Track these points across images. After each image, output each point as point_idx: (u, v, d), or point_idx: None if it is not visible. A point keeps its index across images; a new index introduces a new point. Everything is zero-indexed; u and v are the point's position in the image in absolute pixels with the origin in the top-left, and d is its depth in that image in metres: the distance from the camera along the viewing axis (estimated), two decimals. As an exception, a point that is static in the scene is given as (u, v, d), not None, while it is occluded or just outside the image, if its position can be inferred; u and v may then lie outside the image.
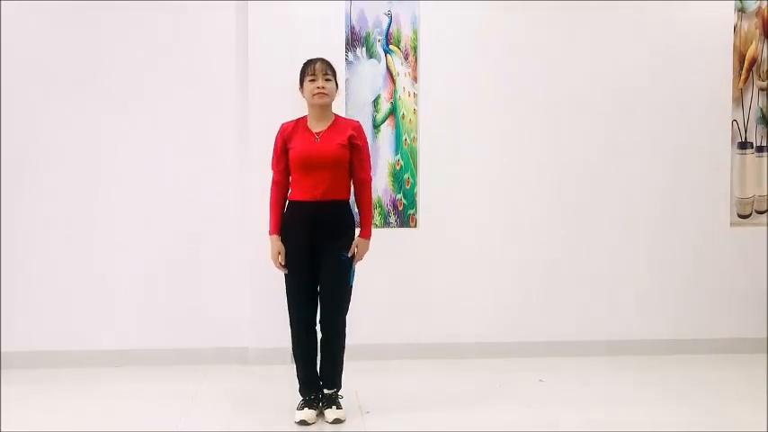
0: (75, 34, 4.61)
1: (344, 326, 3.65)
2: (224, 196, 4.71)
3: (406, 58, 4.82)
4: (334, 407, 3.61)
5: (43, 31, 4.60)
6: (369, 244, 3.67)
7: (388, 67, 4.82)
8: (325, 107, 3.59)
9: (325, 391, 3.65)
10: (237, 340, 4.71)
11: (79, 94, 4.62)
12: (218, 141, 4.72)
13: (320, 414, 3.63)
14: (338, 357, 3.66)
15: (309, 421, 3.53)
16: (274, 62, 4.61)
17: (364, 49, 4.79)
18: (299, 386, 3.67)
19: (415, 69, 4.83)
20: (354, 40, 4.77)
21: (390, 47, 4.81)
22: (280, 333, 4.48)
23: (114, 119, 4.65)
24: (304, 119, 3.63)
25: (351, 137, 3.58)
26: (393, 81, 4.82)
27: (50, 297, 4.62)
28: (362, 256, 3.66)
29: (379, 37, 4.80)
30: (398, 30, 4.81)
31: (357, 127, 3.65)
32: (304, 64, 3.61)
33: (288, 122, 3.64)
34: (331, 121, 3.61)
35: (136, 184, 4.67)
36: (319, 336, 3.67)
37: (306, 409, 3.58)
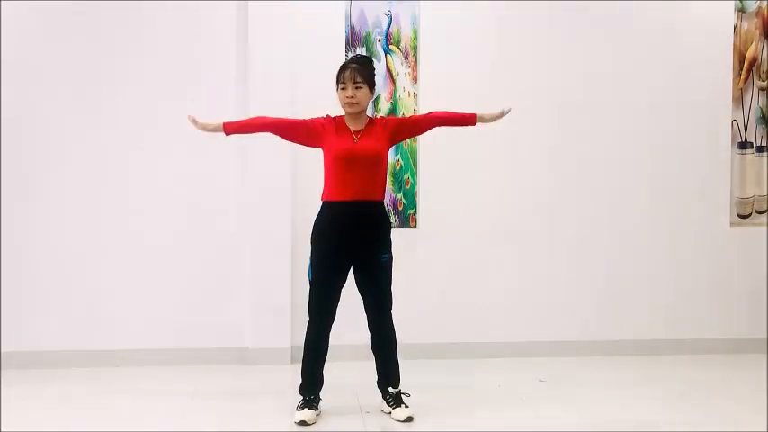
0: (74, 35, 4.60)
1: (392, 323, 3.71)
2: (224, 196, 4.71)
3: (406, 58, 4.83)
4: (402, 405, 3.63)
5: (42, 32, 4.59)
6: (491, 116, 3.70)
7: (388, 67, 4.82)
8: (359, 112, 3.62)
9: (391, 389, 3.67)
10: (237, 340, 4.71)
11: (78, 95, 4.61)
12: (219, 141, 4.70)
13: (386, 412, 3.66)
14: (395, 355, 3.71)
15: (309, 422, 3.53)
16: (274, 62, 4.61)
17: (364, 49, 4.78)
18: (300, 385, 3.67)
19: (415, 69, 4.83)
20: (354, 40, 4.77)
21: (390, 47, 4.81)
22: (280, 333, 4.50)
23: (114, 119, 4.64)
24: (342, 118, 3.64)
25: (385, 127, 3.60)
26: (393, 81, 4.82)
27: (50, 297, 4.62)
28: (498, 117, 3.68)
29: (379, 37, 4.80)
30: (398, 30, 4.81)
31: (384, 120, 3.69)
32: (339, 67, 3.60)
33: (329, 117, 3.64)
34: (366, 122, 3.63)
35: (135, 184, 4.67)
36: (324, 336, 3.67)
37: (306, 409, 3.58)
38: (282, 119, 3.70)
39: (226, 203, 4.71)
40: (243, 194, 4.68)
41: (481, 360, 4.72)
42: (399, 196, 4.85)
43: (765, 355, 4.88)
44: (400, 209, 4.85)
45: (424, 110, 4.80)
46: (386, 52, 4.81)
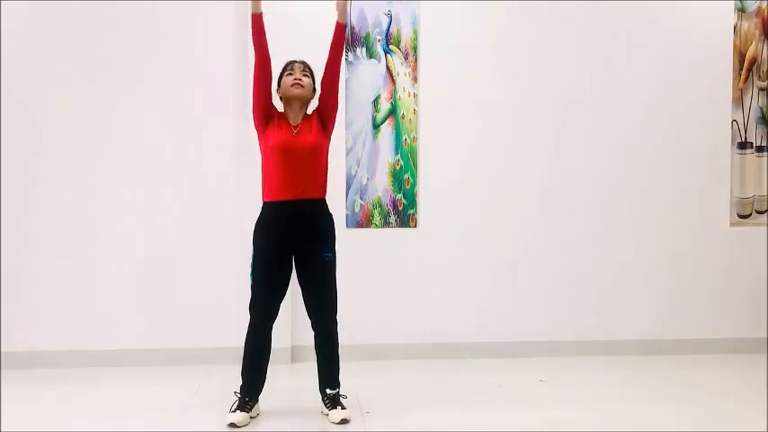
0: (74, 35, 4.61)
1: (337, 325, 3.65)
2: (224, 196, 4.71)
3: (406, 58, 4.83)
4: (339, 407, 3.59)
5: (42, 32, 4.59)
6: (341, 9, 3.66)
7: (388, 67, 4.82)
8: (303, 104, 3.61)
9: (328, 391, 3.65)
10: (237, 340, 4.68)
11: (79, 95, 4.62)
12: (218, 141, 4.72)
13: (325, 414, 3.64)
14: (336, 357, 3.67)
15: (239, 424, 3.47)
16: (274, 62, 4.58)
17: (364, 49, 4.79)
18: (240, 385, 3.60)
19: (415, 69, 4.83)
20: (354, 40, 4.77)
21: (390, 47, 4.81)
22: (279, 333, 4.48)
23: (114, 119, 4.65)
24: (282, 113, 3.64)
25: (315, 117, 3.60)
26: (393, 81, 4.82)
27: (51, 297, 4.62)
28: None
29: (379, 37, 4.80)
30: (398, 30, 4.81)
31: (313, 112, 3.66)
32: (283, 66, 3.65)
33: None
34: (305, 117, 3.63)
35: (136, 184, 4.67)
36: (272, 337, 3.65)
37: (239, 411, 3.52)
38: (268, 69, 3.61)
39: (226, 203, 4.71)
40: (243, 194, 4.68)
41: (481, 360, 4.72)
42: (399, 196, 4.85)
43: (765, 355, 4.88)
44: (400, 209, 4.86)
45: (424, 110, 4.82)
46: (386, 52, 4.81)
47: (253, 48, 3.62)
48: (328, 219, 3.63)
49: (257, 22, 3.62)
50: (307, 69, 3.65)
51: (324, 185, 3.61)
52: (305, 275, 3.60)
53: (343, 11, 3.70)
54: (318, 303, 3.61)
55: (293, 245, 3.54)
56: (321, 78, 3.64)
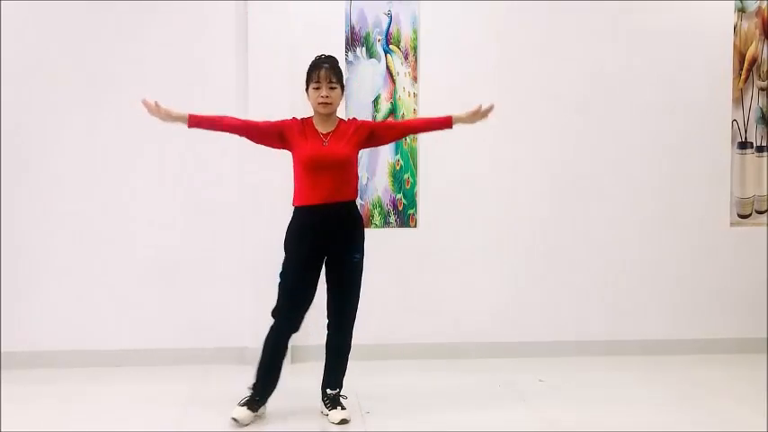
0: (73, 35, 4.60)
1: (353, 326, 3.66)
2: (224, 196, 4.71)
3: (405, 58, 4.83)
4: (338, 407, 3.60)
5: (42, 32, 4.59)
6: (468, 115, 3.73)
7: (388, 67, 4.82)
8: (331, 113, 3.59)
9: (328, 391, 3.65)
10: (237, 340, 4.71)
11: (78, 95, 4.61)
12: (219, 142, 4.70)
13: (324, 414, 3.65)
14: (345, 358, 3.68)
15: (242, 422, 3.49)
16: (274, 62, 4.61)
17: (364, 48, 4.79)
18: (253, 384, 3.62)
19: (414, 69, 4.83)
20: (354, 40, 4.77)
21: (390, 47, 4.81)
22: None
23: (114, 120, 4.64)
24: (310, 120, 3.60)
25: (358, 130, 3.57)
26: (393, 81, 4.82)
27: (51, 297, 4.62)
28: (476, 116, 3.72)
29: (379, 37, 4.80)
30: (398, 30, 4.81)
31: (357, 123, 3.63)
32: (311, 66, 3.57)
33: (295, 119, 3.60)
34: (336, 125, 3.59)
35: (135, 184, 4.67)
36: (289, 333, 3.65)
37: (246, 408, 3.54)
38: (252, 122, 3.63)
39: (226, 203, 4.71)
40: (243, 194, 4.68)
41: (481, 360, 4.72)
42: (399, 196, 4.85)
43: (765, 355, 4.88)
44: (400, 209, 4.86)
45: (424, 110, 4.81)
46: (386, 52, 4.81)
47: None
48: (358, 219, 3.63)
49: (203, 124, 3.60)
50: (334, 78, 3.52)
51: (355, 189, 3.61)
52: (332, 275, 3.60)
53: (467, 120, 3.71)
54: (338, 304, 3.62)
55: (324, 249, 3.54)
56: (388, 131, 3.71)
